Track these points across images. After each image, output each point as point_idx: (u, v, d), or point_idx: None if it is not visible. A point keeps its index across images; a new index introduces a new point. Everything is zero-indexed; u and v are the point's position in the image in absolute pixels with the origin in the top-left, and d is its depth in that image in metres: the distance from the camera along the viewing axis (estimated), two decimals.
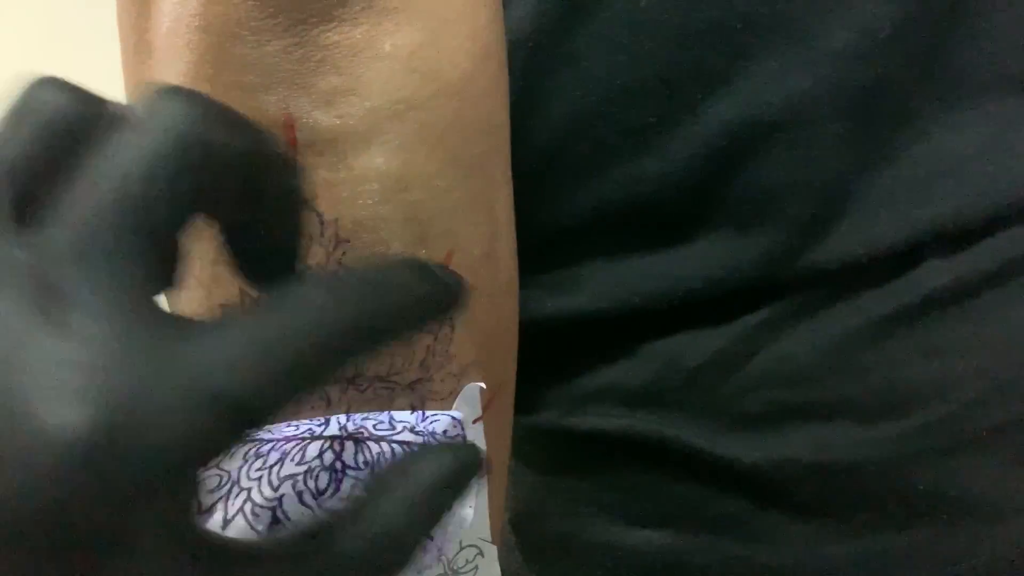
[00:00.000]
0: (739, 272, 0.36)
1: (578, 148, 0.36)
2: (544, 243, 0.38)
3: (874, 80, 0.35)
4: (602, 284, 0.38)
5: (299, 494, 0.28)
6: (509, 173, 0.33)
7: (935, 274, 0.36)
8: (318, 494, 0.29)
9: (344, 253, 0.28)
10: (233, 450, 0.27)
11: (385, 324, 0.21)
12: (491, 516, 0.32)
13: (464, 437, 0.30)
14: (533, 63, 0.36)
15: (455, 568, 0.32)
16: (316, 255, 0.28)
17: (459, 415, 0.30)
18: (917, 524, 0.35)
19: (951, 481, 0.35)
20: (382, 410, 0.30)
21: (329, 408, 0.30)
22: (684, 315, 0.37)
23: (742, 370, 0.37)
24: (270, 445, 0.29)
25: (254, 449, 0.29)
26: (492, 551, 0.32)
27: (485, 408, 0.32)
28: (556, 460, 0.41)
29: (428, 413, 0.30)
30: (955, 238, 0.36)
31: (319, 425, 0.29)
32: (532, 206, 0.36)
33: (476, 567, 0.32)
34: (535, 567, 0.41)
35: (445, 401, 0.31)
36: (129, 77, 0.30)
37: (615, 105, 0.35)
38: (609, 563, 0.39)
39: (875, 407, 0.36)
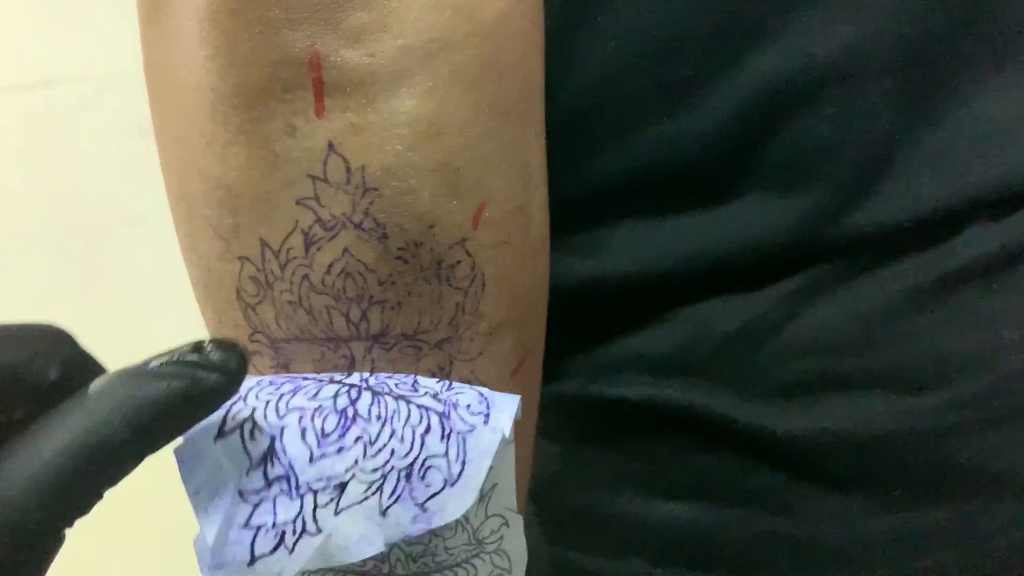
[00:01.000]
0: (776, 236, 0.35)
1: (611, 104, 0.34)
2: (573, 204, 0.36)
3: (920, 34, 0.33)
4: (632, 247, 0.36)
5: (303, 431, 0.27)
6: (543, 126, 0.31)
7: (979, 241, 0.35)
8: (321, 435, 0.27)
9: (372, 203, 0.26)
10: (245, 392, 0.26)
11: (145, 441, 0.22)
12: (517, 485, 0.31)
13: (488, 417, 0.28)
14: (566, 13, 0.34)
15: (480, 538, 0.31)
16: (342, 204, 0.26)
17: (487, 393, 0.29)
18: (956, 499, 0.34)
19: (992, 455, 0.34)
20: (408, 373, 0.29)
21: (352, 367, 0.28)
22: (717, 280, 0.36)
23: (777, 338, 0.35)
24: (286, 378, 0.27)
25: (268, 378, 0.27)
26: (518, 521, 0.31)
27: (515, 371, 0.31)
28: (579, 430, 0.39)
29: (455, 384, 0.29)
30: (1001, 204, 0.35)
31: (341, 374, 0.28)
32: (561, 165, 0.34)
33: (501, 537, 0.31)
34: (555, 540, 0.40)
35: (474, 361, 0.29)
36: (147, 16, 0.28)
37: (651, 59, 0.34)
38: (632, 537, 0.38)
39: (915, 377, 0.34)
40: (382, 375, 0.28)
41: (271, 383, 0.27)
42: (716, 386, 0.36)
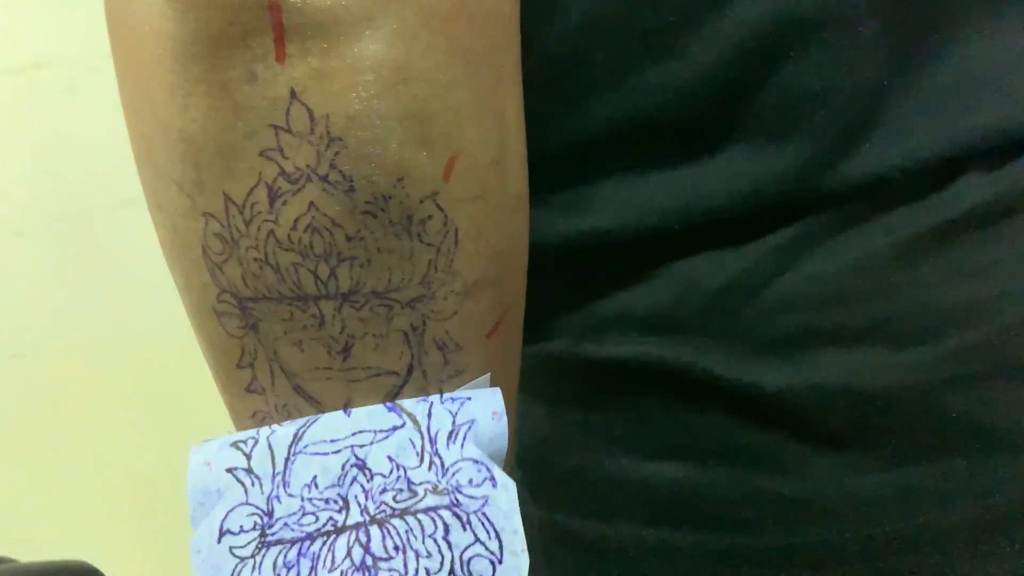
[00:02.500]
0: (764, 187, 0.34)
1: (592, 53, 0.33)
2: (555, 159, 0.35)
3: None
4: (617, 202, 0.35)
5: None
6: (519, 76, 0.30)
7: (974, 190, 0.34)
8: None
9: (337, 153, 0.25)
10: (259, 562, 0.27)
11: None
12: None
13: (493, 480, 0.28)
14: None
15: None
16: (306, 155, 0.25)
17: (479, 456, 0.28)
18: (950, 454, 0.33)
19: (986, 409, 0.33)
20: (379, 332, 0.28)
21: (322, 327, 0.27)
22: (705, 235, 0.35)
23: (766, 292, 0.34)
24: (296, 549, 0.27)
25: (281, 557, 0.27)
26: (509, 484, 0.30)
27: (492, 332, 0.30)
28: (566, 391, 0.39)
29: (448, 464, 0.28)
30: (997, 152, 0.34)
31: (338, 509, 0.28)
32: (542, 119, 0.33)
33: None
34: (543, 503, 0.39)
35: (448, 321, 0.28)
36: None
37: (633, 5, 0.33)
38: (621, 498, 0.37)
39: (907, 331, 0.33)
40: (375, 489, 0.28)
41: (287, 567, 0.27)
42: (704, 343, 0.35)
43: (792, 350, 0.34)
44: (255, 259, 0.27)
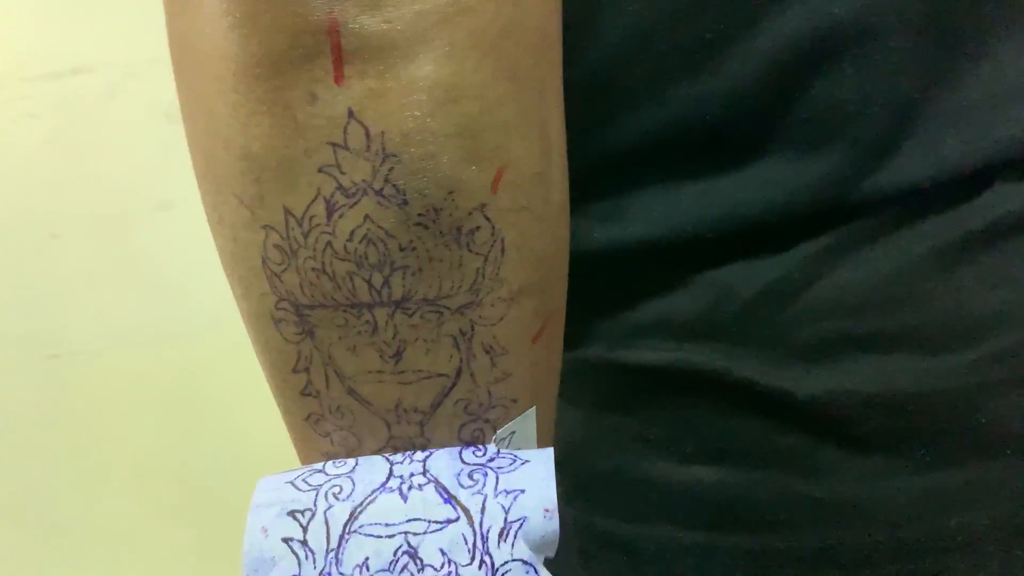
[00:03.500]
0: (798, 197, 0.35)
1: (632, 67, 0.35)
2: (593, 169, 0.36)
3: None
4: (654, 212, 0.36)
5: None
6: (561, 90, 0.31)
7: (1004, 199, 0.34)
8: None
9: (392, 169, 0.26)
10: None
11: None
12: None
13: (537, 571, 0.29)
14: None
15: None
16: (363, 170, 0.26)
17: (529, 557, 0.29)
18: (981, 459, 0.34)
19: (1017, 415, 0.34)
20: (430, 337, 0.29)
21: (375, 333, 0.29)
22: (740, 243, 0.36)
23: (800, 300, 0.35)
24: None
25: None
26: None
27: (537, 336, 0.31)
28: (603, 396, 0.40)
29: (497, 565, 0.29)
30: None
31: None
32: (582, 130, 0.34)
33: None
34: (577, 504, 0.40)
35: (495, 327, 0.29)
36: None
37: (672, 21, 0.34)
38: (657, 501, 0.38)
39: (939, 337, 0.34)
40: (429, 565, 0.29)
41: None
42: (739, 349, 0.36)
43: (826, 356, 0.35)
44: (312, 269, 0.28)
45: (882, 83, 0.33)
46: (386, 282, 0.28)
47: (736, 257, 0.36)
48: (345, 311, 0.28)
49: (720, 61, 0.34)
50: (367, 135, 0.26)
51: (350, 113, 0.26)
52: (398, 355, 0.29)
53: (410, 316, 0.29)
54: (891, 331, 0.35)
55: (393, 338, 0.29)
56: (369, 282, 0.28)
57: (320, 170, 0.27)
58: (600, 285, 0.38)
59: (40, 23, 1.03)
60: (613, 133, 0.35)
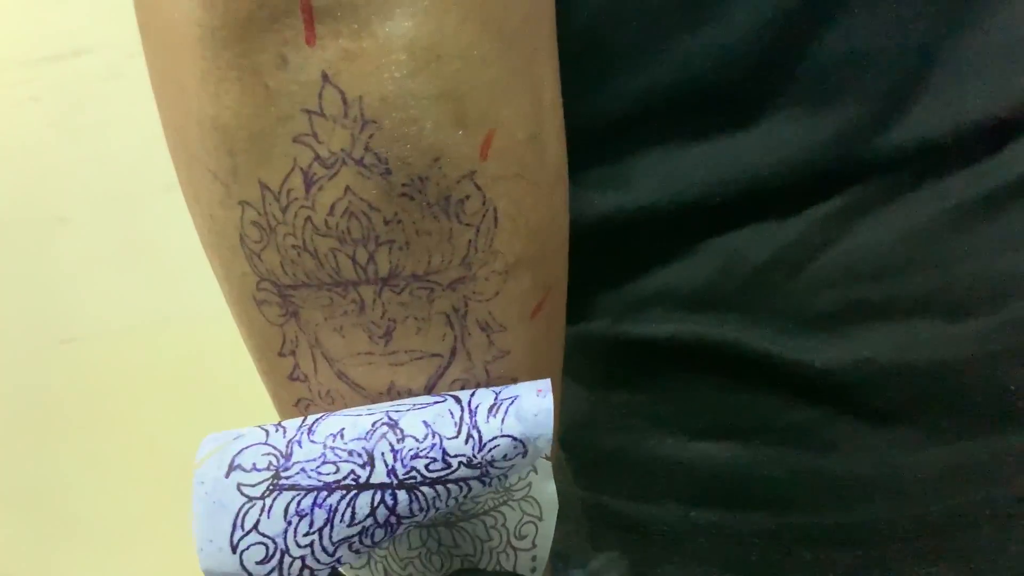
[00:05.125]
0: (809, 156, 0.33)
1: (628, 22, 0.32)
2: (591, 133, 0.34)
3: None
4: (656, 177, 0.34)
5: (355, 551, 0.27)
6: (555, 48, 0.29)
7: None
8: (372, 544, 0.27)
9: (372, 136, 0.25)
10: (269, 505, 0.25)
11: None
12: None
13: (526, 452, 0.27)
14: None
15: (507, 486, 0.30)
16: (341, 138, 0.25)
17: (519, 433, 0.27)
18: (1007, 429, 0.32)
19: None
20: (421, 315, 0.28)
21: (362, 312, 0.27)
22: (747, 207, 0.34)
23: (812, 265, 0.33)
24: (311, 498, 0.26)
25: (294, 504, 0.26)
26: (546, 467, 0.30)
27: (535, 311, 0.29)
28: (608, 371, 0.38)
29: (486, 440, 0.27)
30: None
31: (362, 464, 0.27)
32: (577, 91, 0.32)
33: (529, 484, 0.30)
34: (585, 484, 0.39)
35: (491, 302, 0.28)
36: None
37: None
38: (667, 479, 0.36)
39: (962, 301, 0.32)
40: (406, 453, 0.27)
41: (299, 515, 0.26)
42: (749, 319, 0.34)
43: (841, 324, 0.33)
44: (293, 246, 0.26)
45: (896, 30, 0.31)
46: (371, 258, 0.26)
47: (745, 222, 0.34)
48: (330, 290, 0.27)
49: (722, 12, 0.32)
50: (344, 100, 0.24)
51: (324, 77, 0.24)
52: (388, 335, 0.28)
53: (399, 293, 0.27)
54: (910, 296, 0.33)
55: (382, 317, 0.27)
56: (353, 258, 0.26)
57: (295, 140, 0.25)
58: (602, 255, 0.36)
59: (39, 6, 1.02)
60: (610, 94, 0.34)
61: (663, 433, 0.36)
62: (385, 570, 0.33)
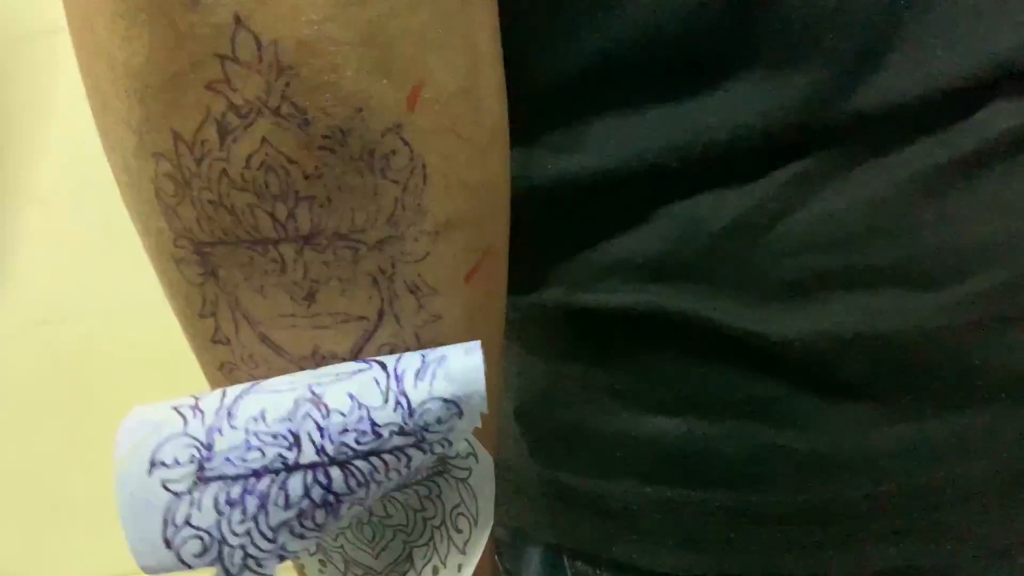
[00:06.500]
0: (770, 119, 0.31)
1: None
2: (542, 94, 0.33)
3: None
4: (611, 140, 0.33)
5: (299, 535, 0.26)
6: (494, 2, 0.28)
7: (1001, 117, 0.31)
8: (316, 527, 0.26)
9: (288, 84, 0.23)
10: (197, 498, 0.24)
11: None
12: (488, 401, 0.28)
13: (461, 413, 0.26)
14: None
15: (448, 455, 0.29)
16: (256, 86, 0.23)
17: (451, 394, 0.26)
18: (974, 404, 0.31)
19: (1012, 355, 0.31)
20: (345, 276, 0.26)
21: (283, 271, 0.26)
22: (706, 172, 0.32)
23: (774, 233, 0.32)
24: (240, 486, 0.25)
25: (223, 494, 0.25)
26: (487, 461, 0.29)
27: (470, 275, 0.28)
28: (563, 343, 0.37)
29: (415, 405, 0.26)
30: None
31: (288, 446, 0.25)
32: (527, 50, 0.31)
33: (469, 469, 0.29)
34: (543, 461, 0.38)
35: (420, 263, 0.26)
36: None
37: None
38: (622, 454, 0.35)
39: (928, 271, 0.31)
40: (334, 429, 0.25)
41: (230, 504, 0.25)
42: (708, 289, 0.33)
43: (802, 295, 0.32)
44: (209, 201, 0.25)
45: None
46: (291, 215, 0.25)
47: (703, 187, 0.32)
48: (249, 248, 0.25)
49: None
50: (258, 45, 0.23)
51: (237, 19, 0.23)
52: (311, 297, 0.26)
53: (321, 253, 0.26)
54: (875, 265, 0.31)
55: (304, 278, 0.26)
56: (272, 215, 0.25)
57: (208, 87, 0.23)
58: (555, 222, 0.34)
59: None
60: (562, 52, 0.32)
61: (620, 407, 0.35)
62: (319, 545, 0.32)
